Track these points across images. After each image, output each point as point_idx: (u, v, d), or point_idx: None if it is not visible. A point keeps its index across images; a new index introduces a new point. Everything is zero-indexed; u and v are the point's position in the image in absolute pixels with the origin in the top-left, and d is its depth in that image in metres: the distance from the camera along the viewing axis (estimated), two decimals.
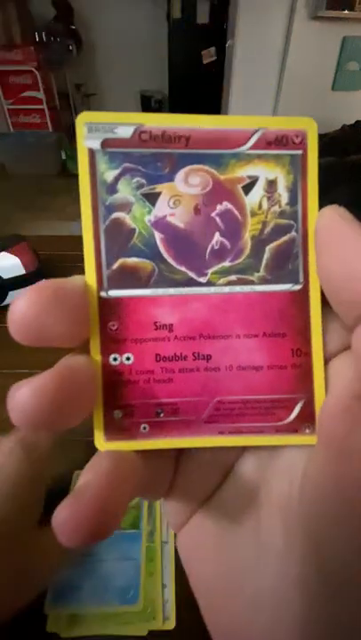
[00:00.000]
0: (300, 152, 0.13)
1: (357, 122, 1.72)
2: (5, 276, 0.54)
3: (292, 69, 1.97)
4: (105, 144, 0.13)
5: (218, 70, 2.35)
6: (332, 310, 0.12)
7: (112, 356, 0.13)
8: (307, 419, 0.13)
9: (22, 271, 0.56)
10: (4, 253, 0.55)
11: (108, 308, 0.13)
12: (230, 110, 2.12)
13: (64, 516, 0.10)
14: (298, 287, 0.13)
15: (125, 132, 0.13)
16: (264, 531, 0.13)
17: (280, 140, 0.13)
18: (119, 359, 0.13)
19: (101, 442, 0.13)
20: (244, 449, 0.14)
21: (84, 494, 0.10)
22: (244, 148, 0.13)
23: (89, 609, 0.29)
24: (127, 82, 2.85)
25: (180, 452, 0.14)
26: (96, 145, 0.13)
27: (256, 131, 0.13)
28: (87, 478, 0.11)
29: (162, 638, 0.32)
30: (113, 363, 0.13)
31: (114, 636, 0.29)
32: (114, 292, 0.13)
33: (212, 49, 2.39)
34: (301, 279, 0.13)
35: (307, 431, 0.13)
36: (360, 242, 0.11)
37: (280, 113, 2.04)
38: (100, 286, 0.13)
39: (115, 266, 0.13)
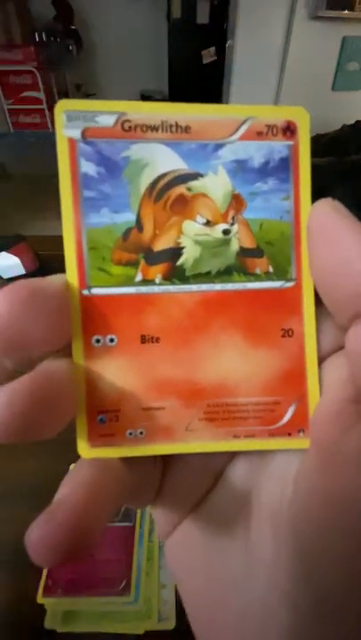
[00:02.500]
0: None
1: (357, 122, 1.72)
2: (5, 276, 0.54)
3: (292, 69, 1.96)
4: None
5: (218, 70, 2.35)
6: (324, 309, 0.12)
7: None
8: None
9: (22, 271, 0.56)
10: (3, 253, 0.55)
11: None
12: None
13: (36, 537, 0.09)
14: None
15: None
16: (253, 540, 0.12)
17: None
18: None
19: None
20: (234, 453, 0.14)
21: (58, 512, 0.10)
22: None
23: (86, 606, 0.30)
24: (127, 82, 2.85)
25: (168, 456, 0.14)
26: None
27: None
28: (64, 492, 0.10)
29: (161, 638, 0.32)
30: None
31: (110, 634, 0.29)
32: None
33: (212, 49, 2.39)
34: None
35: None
36: (356, 236, 0.10)
37: None
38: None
39: None
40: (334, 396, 0.12)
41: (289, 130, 0.12)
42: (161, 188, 0.12)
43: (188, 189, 0.12)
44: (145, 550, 0.34)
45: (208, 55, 2.41)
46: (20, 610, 0.31)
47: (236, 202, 0.13)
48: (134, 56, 2.78)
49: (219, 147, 0.12)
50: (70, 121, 0.12)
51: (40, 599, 0.30)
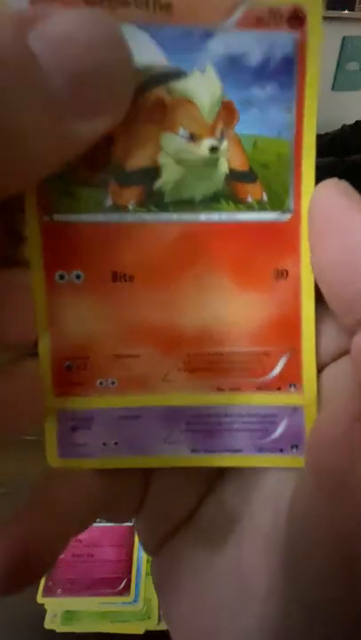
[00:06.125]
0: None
1: (357, 122, 1.72)
2: None
3: None
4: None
5: None
6: (324, 306, 0.10)
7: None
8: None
9: None
10: None
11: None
12: None
13: None
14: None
15: None
16: (246, 566, 0.11)
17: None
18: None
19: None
20: (222, 467, 0.13)
21: (6, 534, 0.09)
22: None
23: (86, 606, 0.30)
24: None
25: (149, 469, 0.12)
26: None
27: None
28: (19, 510, 0.09)
29: (161, 638, 0.32)
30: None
31: (110, 634, 0.29)
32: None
33: None
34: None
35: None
36: None
37: None
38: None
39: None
40: (337, 413, 0.10)
41: (296, 18, 0.09)
42: (135, 89, 0.10)
43: (169, 92, 0.10)
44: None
45: None
46: (20, 610, 0.31)
47: (227, 112, 0.10)
48: None
49: (208, 35, 0.10)
50: None
51: (40, 599, 0.30)
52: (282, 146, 0.10)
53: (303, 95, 0.10)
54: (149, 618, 0.30)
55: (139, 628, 0.29)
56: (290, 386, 0.12)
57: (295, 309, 0.11)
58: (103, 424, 0.11)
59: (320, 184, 0.10)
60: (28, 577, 0.09)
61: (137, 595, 0.30)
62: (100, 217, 0.10)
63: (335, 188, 0.10)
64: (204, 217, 0.11)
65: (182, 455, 0.12)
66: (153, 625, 0.30)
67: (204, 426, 0.12)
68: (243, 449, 0.12)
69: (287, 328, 0.11)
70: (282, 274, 0.11)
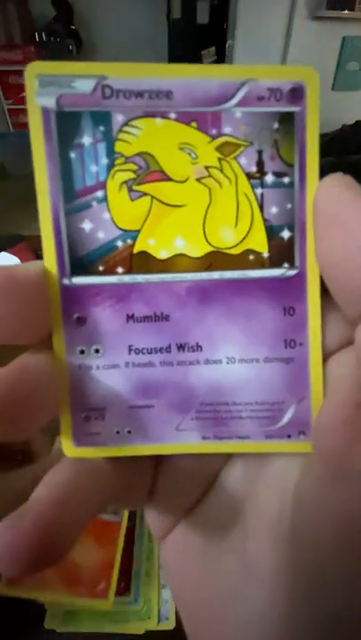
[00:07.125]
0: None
1: (357, 122, 1.72)
2: None
3: None
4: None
5: None
6: (331, 298, 0.11)
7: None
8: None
9: None
10: (3, 253, 0.55)
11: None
12: None
13: (1, 543, 0.08)
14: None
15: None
16: (251, 552, 0.12)
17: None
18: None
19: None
20: (230, 455, 0.13)
21: (25, 517, 0.09)
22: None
23: (85, 606, 0.30)
24: None
25: (160, 457, 0.13)
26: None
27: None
28: (38, 493, 0.09)
29: (161, 638, 0.32)
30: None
31: (110, 634, 0.29)
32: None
33: (212, 49, 2.39)
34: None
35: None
36: None
37: None
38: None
39: None
40: (341, 399, 0.10)
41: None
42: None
43: None
44: (145, 550, 0.34)
45: (208, 55, 2.41)
46: (20, 610, 0.31)
47: None
48: (134, 56, 2.78)
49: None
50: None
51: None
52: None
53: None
54: (149, 618, 0.30)
55: (139, 628, 0.29)
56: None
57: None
58: (116, 413, 0.12)
59: (325, 178, 0.10)
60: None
61: (137, 595, 0.30)
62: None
63: (340, 182, 0.10)
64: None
65: (193, 442, 0.12)
66: (153, 625, 0.29)
67: (214, 414, 0.12)
68: (251, 436, 0.12)
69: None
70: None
